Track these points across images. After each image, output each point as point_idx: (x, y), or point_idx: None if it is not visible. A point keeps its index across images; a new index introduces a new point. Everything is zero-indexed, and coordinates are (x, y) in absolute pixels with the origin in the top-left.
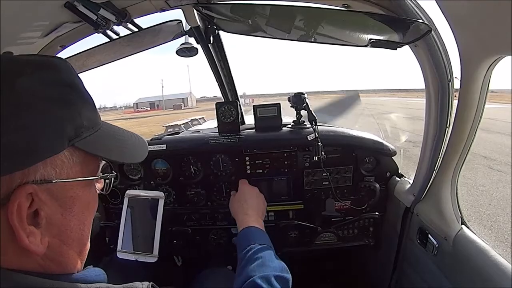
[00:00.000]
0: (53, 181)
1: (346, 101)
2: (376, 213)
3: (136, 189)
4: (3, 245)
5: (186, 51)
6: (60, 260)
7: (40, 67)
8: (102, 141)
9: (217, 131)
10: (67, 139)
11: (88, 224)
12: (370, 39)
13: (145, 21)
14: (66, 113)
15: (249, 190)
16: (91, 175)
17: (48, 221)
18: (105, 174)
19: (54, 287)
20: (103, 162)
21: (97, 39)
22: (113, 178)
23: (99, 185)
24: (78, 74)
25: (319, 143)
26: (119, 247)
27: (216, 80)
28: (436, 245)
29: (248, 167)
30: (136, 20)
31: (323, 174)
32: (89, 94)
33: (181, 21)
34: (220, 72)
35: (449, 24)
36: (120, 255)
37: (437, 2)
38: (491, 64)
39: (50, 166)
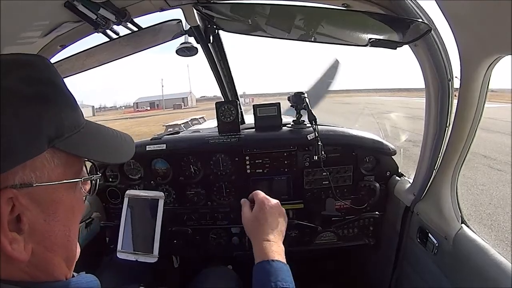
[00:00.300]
0: (34, 185)
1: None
2: (376, 212)
3: (136, 189)
4: None
5: (186, 51)
6: (46, 268)
7: (17, 66)
8: (85, 141)
9: (217, 130)
10: (46, 140)
11: (74, 229)
12: (370, 39)
13: (144, 21)
14: (45, 112)
15: (271, 205)
16: (74, 177)
17: (31, 227)
18: (90, 176)
19: None
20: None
21: (97, 38)
22: (98, 180)
23: (86, 187)
24: (78, 74)
25: (319, 143)
26: (119, 247)
27: (216, 80)
28: (436, 244)
29: (248, 166)
30: (136, 20)
31: (323, 174)
32: (70, 93)
33: (180, 21)
34: (220, 71)
35: (448, 24)
36: (120, 255)
37: (437, 2)
38: (491, 64)
39: (30, 169)
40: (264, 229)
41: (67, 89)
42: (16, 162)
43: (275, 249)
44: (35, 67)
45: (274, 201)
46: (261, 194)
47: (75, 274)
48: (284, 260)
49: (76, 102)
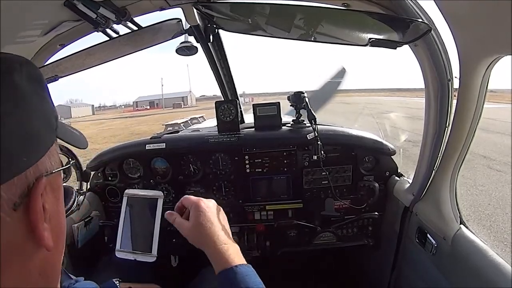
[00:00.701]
0: (54, 171)
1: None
2: (376, 213)
3: (135, 188)
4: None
5: (185, 50)
6: (56, 258)
7: (23, 64)
8: (64, 129)
9: (217, 130)
10: (54, 129)
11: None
12: (370, 38)
13: (144, 20)
14: (49, 106)
15: (209, 205)
16: (60, 161)
17: (50, 215)
18: (72, 161)
19: None
20: None
21: (96, 37)
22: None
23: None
24: (77, 73)
25: (319, 142)
26: (118, 246)
27: (216, 79)
28: (435, 245)
29: (247, 166)
30: (136, 19)
31: (323, 173)
32: (45, 84)
33: (180, 20)
34: (220, 71)
35: (447, 24)
36: (119, 254)
37: (435, 2)
38: (490, 64)
39: (51, 157)
40: (213, 232)
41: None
42: (44, 150)
43: (232, 251)
44: (29, 65)
45: (208, 200)
46: (191, 197)
47: (73, 277)
48: (244, 261)
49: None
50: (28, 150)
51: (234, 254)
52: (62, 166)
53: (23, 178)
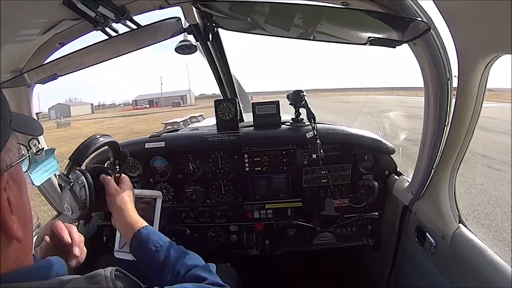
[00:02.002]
0: (13, 165)
1: None
2: (375, 213)
3: (134, 186)
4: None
5: (185, 49)
6: (27, 245)
7: None
8: (19, 120)
9: (216, 128)
10: (8, 123)
11: (29, 202)
12: (369, 37)
13: (143, 19)
14: (3, 98)
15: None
16: (18, 153)
17: (16, 206)
18: (30, 149)
19: None
20: None
21: (96, 36)
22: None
23: None
24: (76, 71)
25: (318, 141)
26: (116, 246)
27: (215, 78)
28: (434, 244)
29: (246, 164)
30: (135, 18)
31: (322, 172)
32: None
33: (180, 19)
34: (219, 69)
35: (446, 23)
36: (117, 254)
37: (434, 1)
38: (488, 63)
39: (9, 151)
40: (129, 204)
41: None
42: (2, 145)
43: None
44: None
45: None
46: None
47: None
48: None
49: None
50: None
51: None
52: (21, 157)
53: None
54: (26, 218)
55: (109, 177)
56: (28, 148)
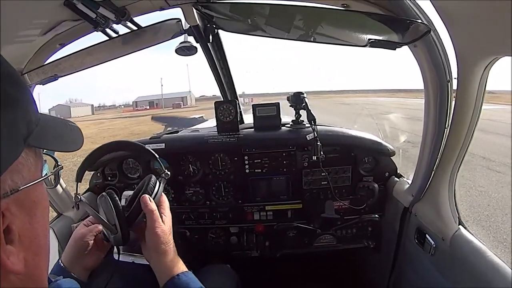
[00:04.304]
0: (20, 189)
1: None
2: (375, 215)
3: (134, 188)
4: None
5: (185, 50)
6: (37, 275)
7: None
8: (47, 133)
9: (216, 130)
10: (22, 138)
11: (48, 227)
12: (369, 39)
13: (144, 20)
14: (16, 111)
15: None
16: (40, 171)
17: (20, 234)
18: (58, 167)
19: None
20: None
21: (96, 37)
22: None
23: (51, 179)
24: (77, 72)
25: (318, 143)
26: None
27: (215, 79)
28: (434, 245)
29: (247, 166)
30: (135, 19)
31: (322, 174)
32: (24, 81)
33: (180, 20)
34: (219, 71)
35: (445, 25)
36: (117, 256)
37: (432, 3)
38: (487, 65)
39: (15, 173)
40: (170, 247)
41: (22, 79)
42: (3, 169)
43: (174, 256)
44: None
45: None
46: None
47: (50, 277)
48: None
49: (30, 90)
50: None
51: (179, 262)
52: (39, 177)
53: None
54: (37, 246)
55: (152, 205)
56: (56, 165)
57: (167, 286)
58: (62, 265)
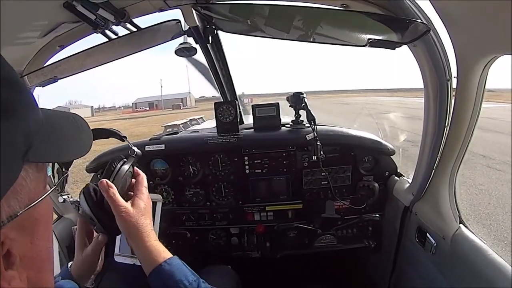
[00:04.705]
0: (19, 214)
1: None
2: (376, 214)
3: None
4: None
5: (185, 51)
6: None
7: None
8: (50, 142)
9: (216, 131)
10: (20, 156)
11: (51, 238)
12: (369, 39)
13: (143, 21)
14: (13, 124)
15: (148, 200)
16: (44, 184)
17: (20, 256)
18: (62, 177)
19: None
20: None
21: (96, 39)
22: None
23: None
24: (76, 74)
25: (318, 143)
26: (116, 250)
27: (215, 80)
28: (434, 244)
29: (247, 166)
30: (135, 20)
31: (322, 174)
32: (24, 84)
33: (179, 21)
34: (219, 71)
35: (444, 24)
36: (117, 258)
37: (431, 2)
38: (487, 63)
39: (12, 197)
40: (146, 226)
41: (22, 81)
42: (2, 193)
43: (158, 244)
44: None
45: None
46: (145, 187)
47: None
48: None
49: (31, 93)
50: None
51: (163, 249)
52: (41, 192)
53: None
54: (39, 262)
55: (111, 190)
56: (61, 169)
57: (151, 280)
58: (69, 272)
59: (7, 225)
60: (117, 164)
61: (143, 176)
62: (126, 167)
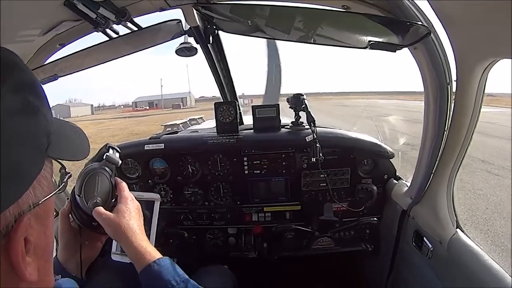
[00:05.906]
0: (40, 202)
1: None
2: (374, 218)
3: (133, 188)
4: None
5: (185, 51)
6: (46, 281)
7: (8, 71)
8: (61, 143)
9: (216, 131)
10: (44, 149)
11: (53, 231)
12: (369, 41)
13: (144, 20)
14: (36, 122)
15: (133, 204)
16: (52, 181)
17: (35, 245)
18: (66, 175)
19: None
20: None
21: (96, 37)
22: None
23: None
24: (76, 72)
25: (317, 145)
26: (113, 249)
27: (215, 80)
28: (431, 249)
29: (246, 167)
30: (136, 19)
31: (321, 176)
32: (42, 88)
33: (180, 21)
34: (219, 72)
35: (443, 27)
36: (114, 257)
37: (430, 5)
38: (486, 67)
39: (37, 187)
40: (133, 228)
41: (40, 84)
42: (28, 184)
43: (148, 243)
44: (18, 68)
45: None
46: (126, 191)
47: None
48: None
49: (47, 100)
50: (4, 190)
51: (152, 248)
52: (54, 189)
53: (1, 217)
54: (48, 254)
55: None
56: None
57: (141, 279)
58: (57, 260)
59: (32, 211)
60: (98, 178)
61: (123, 184)
62: (106, 180)
